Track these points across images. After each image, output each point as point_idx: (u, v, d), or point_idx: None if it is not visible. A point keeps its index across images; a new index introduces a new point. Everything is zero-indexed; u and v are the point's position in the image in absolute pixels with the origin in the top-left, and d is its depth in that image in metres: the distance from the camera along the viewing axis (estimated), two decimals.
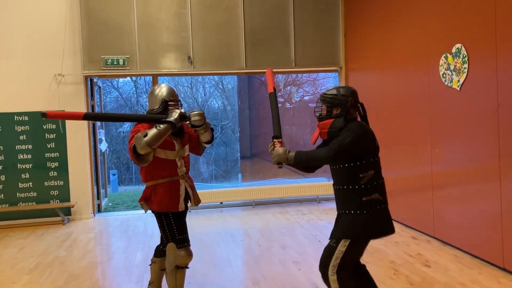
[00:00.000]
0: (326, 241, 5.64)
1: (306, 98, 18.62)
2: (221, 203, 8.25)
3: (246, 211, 7.87)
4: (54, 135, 7.56)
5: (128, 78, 22.12)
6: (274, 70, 8.04)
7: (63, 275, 4.89)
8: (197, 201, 3.82)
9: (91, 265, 5.31)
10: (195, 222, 7.09)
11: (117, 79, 22.38)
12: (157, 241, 6.37)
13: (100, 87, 8.74)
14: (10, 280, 4.80)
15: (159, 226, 3.63)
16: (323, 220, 7.03)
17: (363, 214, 2.88)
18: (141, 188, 17.37)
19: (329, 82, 15.90)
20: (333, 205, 7.98)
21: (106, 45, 7.60)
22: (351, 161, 2.89)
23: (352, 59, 8.04)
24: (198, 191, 4.00)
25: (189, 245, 3.65)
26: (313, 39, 8.21)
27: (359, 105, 3.06)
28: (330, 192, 8.31)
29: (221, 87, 25.07)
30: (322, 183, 8.51)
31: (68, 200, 7.59)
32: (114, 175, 15.59)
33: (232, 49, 7.98)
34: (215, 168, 23.63)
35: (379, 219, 2.92)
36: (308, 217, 7.25)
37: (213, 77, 24.13)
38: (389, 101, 6.68)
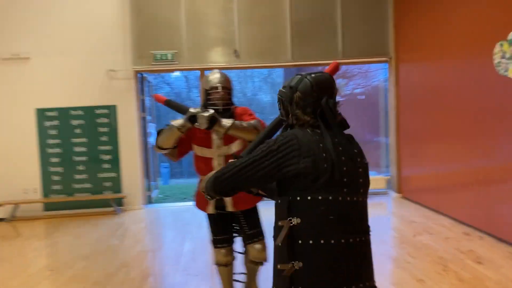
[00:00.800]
0: (371, 236, 5.53)
1: (357, 91, 18.27)
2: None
3: None
4: (107, 129, 7.86)
5: (179, 74, 22.52)
6: (320, 62, 8.02)
7: (115, 263, 5.09)
8: (238, 205, 3.31)
9: (141, 253, 5.50)
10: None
11: (168, 75, 22.91)
12: (204, 232, 6.51)
13: (150, 82, 8.98)
14: (67, 265, 5.06)
15: None
16: (369, 215, 6.87)
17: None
18: (191, 181, 17.76)
19: (382, 74, 15.50)
20: (380, 200, 7.83)
21: (155, 41, 7.80)
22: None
23: (403, 49, 7.78)
24: None
25: (229, 245, 3.45)
26: (361, 29, 8.02)
27: (324, 103, 1.86)
28: (378, 186, 8.16)
29: (270, 81, 25.07)
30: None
31: (120, 191, 7.88)
32: (165, 168, 15.99)
33: (278, 42, 7.95)
34: None
35: None
36: None
37: (261, 71, 24.21)
38: (441, 92, 6.42)
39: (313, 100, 1.86)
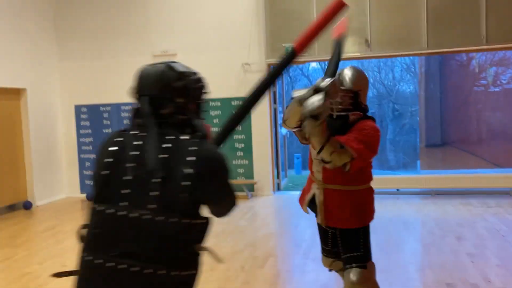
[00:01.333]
0: (510, 237, 5.08)
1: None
2: (397, 190, 8.02)
3: (423, 200, 7.49)
4: None
5: (318, 66, 22.65)
6: (460, 48, 7.48)
7: (242, 242, 5.50)
8: (328, 220, 2.87)
9: (267, 236, 5.84)
10: None
11: (306, 67, 23.25)
12: None
13: (282, 74, 9.30)
14: None
15: None
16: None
17: None
18: None
19: None
20: None
21: (287, 34, 8.06)
22: None
23: None
24: (385, 176, 3.30)
25: (329, 256, 3.11)
26: (510, 9, 7.24)
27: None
28: None
29: (413, 70, 23.84)
30: None
31: (252, 177, 8.38)
32: (298, 158, 16.37)
33: (412, 29, 7.60)
34: (403, 156, 22.84)
35: None
36: (495, 210, 6.54)
37: (404, 60, 23.12)
38: None
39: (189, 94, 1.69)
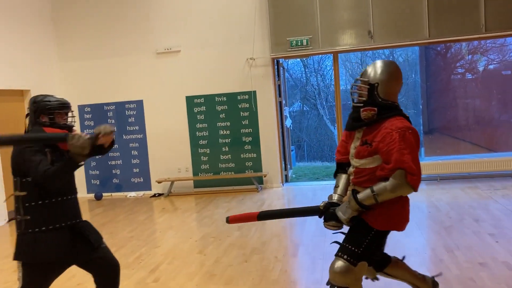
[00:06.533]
0: None
1: (491, 67, 16.88)
2: None
3: (431, 186, 7.73)
4: (248, 113, 8.47)
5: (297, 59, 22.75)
6: (460, 37, 7.70)
7: (267, 233, 5.62)
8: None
9: (288, 226, 5.97)
10: None
11: (287, 61, 23.36)
12: None
13: (284, 68, 9.42)
14: (225, 234, 5.71)
15: None
16: None
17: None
18: (314, 164, 18.09)
19: None
20: None
21: (291, 28, 8.17)
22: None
23: None
24: None
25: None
26: None
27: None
28: None
29: (411, 60, 24.14)
30: None
31: (261, 170, 8.49)
32: (292, 150, 16.53)
33: (414, 19, 7.80)
34: None
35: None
36: (503, 192, 6.81)
37: (383, 51, 23.50)
38: None
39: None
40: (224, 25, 8.40)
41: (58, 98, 2.91)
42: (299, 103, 24.40)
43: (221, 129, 8.59)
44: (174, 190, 8.69)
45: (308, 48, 8.15)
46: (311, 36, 8.09)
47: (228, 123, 8.55)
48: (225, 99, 8.53)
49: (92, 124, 8.98)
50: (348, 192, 2.97)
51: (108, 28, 8.78)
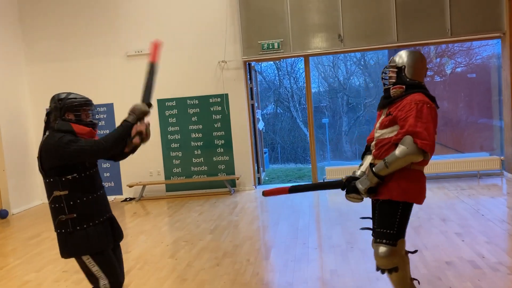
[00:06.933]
0: (490, 216, 5.47)
1: (458, 70, 17.36)
2: None
3: None
4: (220, 116, 8.46)
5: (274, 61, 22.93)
6: (428, 41, 7.90)
7: (239, 235, 5.62)
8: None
9: (260, 228, 5.99)
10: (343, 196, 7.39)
11: (260, 64, 23.47)
12: (316, 209, 6.84)
13: (256, 71, 9.45)
14: (197, 238, 5.68)
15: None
16: (485, 195, 6.73)
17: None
18: (288, 166, 18.21)
19: (486, 50, 14.62)
20: (495, 181, 7.57)
21: (262, 31, 8.21)
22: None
23: None
24: (346, 166, 3.56)
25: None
26: (471, 4, 7.74)
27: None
28: (492, 167, 7.88)
29: (363, 63, 24.61)
30: (482, 158, 8.07)
31: (233, 173, 8.48)
32: (265, 153, 16.60)
33: (383, 24, 7.96)
34: (358, 146, 23.54)
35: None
36: (469, 192, 7.01)
37: (354, 54, 23.85)
38: None
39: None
40: (196, 28, 8.37)
41: (81, 96, 2.93)
42: (273, 106, 24.53)
43: (193, 132, 8.54)
44: (145, 194, 8.60)
45: (279, 51, 8.20)
46: (282, 40, 8.15)
47: (200, 126, 8.52)
48: (197, 102, 8.50)
49: None
50: (365, 163, 3.25)
51: (77, 30, 8.63)
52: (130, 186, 8.52)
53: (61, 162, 2.71)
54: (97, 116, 3.06)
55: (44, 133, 2.85)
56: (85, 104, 2.87)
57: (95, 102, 9.07)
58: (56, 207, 2.76)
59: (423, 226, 5.40)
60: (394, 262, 2.98)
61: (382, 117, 3.15)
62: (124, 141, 2.88)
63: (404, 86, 3.03)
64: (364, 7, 7.97)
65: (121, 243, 5.45)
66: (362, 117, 23.56)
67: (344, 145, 23.55)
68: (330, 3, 8.05)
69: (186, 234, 5.91)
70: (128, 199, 8.60)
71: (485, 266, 4.01)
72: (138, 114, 2.90)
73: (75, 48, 8.65)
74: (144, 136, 2.96)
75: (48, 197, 2.80)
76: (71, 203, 2.75)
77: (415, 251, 3.34)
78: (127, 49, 8.52)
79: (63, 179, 2.73)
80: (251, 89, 8.85)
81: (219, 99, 8.42)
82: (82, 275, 4.34)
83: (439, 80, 18.30)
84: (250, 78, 8.83)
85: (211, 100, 8.43)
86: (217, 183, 8.47)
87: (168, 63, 8.42)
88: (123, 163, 8.73)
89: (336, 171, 8.36)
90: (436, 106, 3.00)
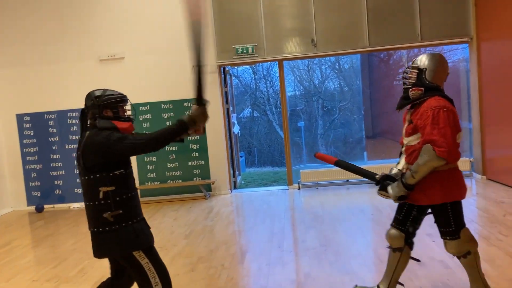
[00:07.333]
0: None
1: None
2: (347, 180, 8.47)
3: (374, 189, 7.93)
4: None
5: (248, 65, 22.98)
6: (398, 45, 8.06)
7: (214, 240, 5.60)
8: (411, 199, 3.22)
9: (236, 232, 5.98)
10: (324, 198, 7.47)
11: (236, 67, 23.51)
12: (291, 212, 6.88)
13: (231, 75, 9.47)
14: (171, 243, 5.64)
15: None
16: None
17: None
18: (264, 170, 18.25)
19: (456, 54, 15.00)
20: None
21: (236, 35, 8.23)
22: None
23: (484, 28, 7.62)
24: (320, 169, 3.85)
25: (396, 227, 3.43)
26: (440, 10, 7.93)
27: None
28: (461, 168, 8.07)
29: (338, 67, 24.91)
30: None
31: (209, 177, 8.46)
32: (241, 157, 16.59)
33: (355, 28, 8.08)
34: (334, 149, 23.78)
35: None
36: None
37: (329, 58, 24.14)
38: None
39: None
40: (169, 31, 8.32)
41: (117, 92, 2.93)
42: (250, 109, 24.58)
43: None
44: None
45: (253, 55, 8.23)
46: (256, 44, 8.19)
47: None
48: (171, 106, 8.45)
49: (32, 133, 8.62)
50: (401, 167, 3.36)
51: (49, 34, 8.48)
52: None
53: (110, 158, 2.71)
54: (130, 112, 3.01)
55: (83, 131, 2.87)
56: (122, 100, 2.89)
57: (67, 107, 9.00)
58: (102, 203, 2.72)
59: None
60: (465, 249, 3.19)
61: (406, 124, 3.32)
62: (174, 139, 2.85)
63: (422, 89, 3.14)
64: (336, 12, 8.08)
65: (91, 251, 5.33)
66: (337, 120, 23.82)
67: (320, 148, 23.77)
68: (303, 8, 8.14)
69: (160, 239, 5.85)
70: None
71: (454, 266, 4.11)
72: (193, 117, 2.86)
73: (46, 52, 8.49)
74: (201, 133, 2.98)
75: (91, 194, 2.76)
76: (117, 199, 2.74)
77: (419, 261, 3.63)
78: (99, 53, 8.41)
79: (111, 174, 2.72)
80: (226, 93, 8.85)
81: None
82: (53, 284, 4.24)
83: None
84: (225, 82, 8.84)
85: (185, 105, 8.39)
86: (192, 188, 8.43)
87: (142, 67, 8.38)
88: None
89: (311, 174, 8.43)
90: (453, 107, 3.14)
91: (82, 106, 2.86)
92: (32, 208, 8.50)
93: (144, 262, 2.78)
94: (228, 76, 9.13)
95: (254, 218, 6.65)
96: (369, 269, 4.31)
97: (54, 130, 8.58)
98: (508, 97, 6.81)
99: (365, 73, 20.53)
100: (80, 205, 8.57)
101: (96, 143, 2.70)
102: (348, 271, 4.22)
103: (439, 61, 3.20)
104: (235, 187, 8.95)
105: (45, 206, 8.56)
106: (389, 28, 8.02)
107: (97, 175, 2.72)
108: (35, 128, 8.61)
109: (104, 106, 2.81)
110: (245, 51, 8.19)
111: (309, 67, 24.57)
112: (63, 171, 8.65)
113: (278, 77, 8.81)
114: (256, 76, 24.63)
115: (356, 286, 3.79)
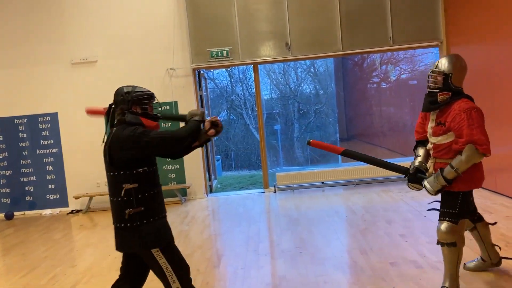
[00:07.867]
0: (432, 217, 5.71)
1: (403, 76, 18.07)
2: (322, 182, 8.53)
3: (348, 190, 8.08)
4: (169, 124, 8.34)
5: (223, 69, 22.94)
6: (371, 49, 8.19)
7: (189, 245, 5.56)
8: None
9: (211, 237, 5.96)
10: (299, 201, 7.51)
11: (212, 70, 23.46)
12: (267, 216, 6.89)
13: (206, 78, 9.43)
14: None
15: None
16: (429, 197, 7.01)
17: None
18: (241, 173, 18.24)
19: (428, 58, 15.35)
20: None
21: (211, 38, 8.21)
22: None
23: (454, 32, 7.80)
24: (296, 172, 3.85)
25: (443, 219, 3.45)
26: (411, 14, 8.09)
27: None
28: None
29: (313, 71, 25.13)
30: None
31: (184, 182, 8.39)
32: (217, 160, 16.54)
33: (329, 32, 8.17)
34: (310, 152, 23.94)
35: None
36: (412, 194, 7.27)
37: (304, 62, 24.33)
38: (494, 75, 6.45)
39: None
40: (143, 34, 8.25)
41: (145, 89, 2.99)
42: (226, 113, 24.55)
43: None
44: (93, 206, 8.34)
45: (228, 59, 8.23)
46: (231, 47, 8.19)
47: None
48: None
49: (1, 139, 8.40)
50: (429, 164, 3.61)
51: (18, 36, 8.29)
52: (77, 198, 8.24)
53: (137, 153, 2.74)
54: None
55: (110, 126, 2.93)
56: (151, 97, 2.94)
57: (37, 111, 8.82)
58: (125, 200, 2.76)
59: (369, 229, 5.56)
60: (454, 238, 3.36)
61: (432, 124, 3.52)
62: (192, 137, 2.93)
63: (450, 93, 3.41)
64: (309, 16, 8.15)
65: (66, 257, 5.27)
66: (313, 123, 24.02)
67: (296, 151, 23.90)
68: (277, 12, 8.18)
69: None
70: (74, 211, 8.31)
71: (426, 265, 4.18)
72: (201, 114, 3.01)
73: (16, 55, 8.30)
74: (219, 129, 3.02)
75: (114, 190, 2.79)
76: (139, 196, 2.77)
77: (495, 223, 3.89)
78: (71, 57, 8.27)
79: (134, 172, 2.75)
80: (201, 96, 8.82)
81: (168, 107, 8.33)
82: None
83: (385, 86, 19.00)
84: (200, 86, 8.80)
85: (159, 109, 8.28)
86: (167, 192, 8.33)
87: (115, 71, 8.26)
88: (68, 174, 8.45)
89: (287, 177, 8.47)
90: None
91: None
92: (1, 215, 8.28)
93: (162, 261, 2.83)
94: (203, 80, 9.10)
95: (230, 222, 6.63)
96: (343, 271, 4.35)
97: (25, 135, 8.37)
98: (477, 100, 6.96)
99: (339, 77, 20.78)
100: (52, 211, 8.39)
101: (123, 137, 2.74)
102: (322, 273, 4.24)
103: (462, 65, 3.51)
104: (211, 191, 8.91)
105: (15, 213, 8.34)
106: (362, 32, 8.14)
107: (121, 172, 2.76)
108: (4, 133, 8.40)
109: (133, 102, 2.86)
110: (219, 55, 8.18)
111: (285, 70, 24.70)
112: (34, 177, 8.46)
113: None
114: (232, 80, 24.63)
115: None
